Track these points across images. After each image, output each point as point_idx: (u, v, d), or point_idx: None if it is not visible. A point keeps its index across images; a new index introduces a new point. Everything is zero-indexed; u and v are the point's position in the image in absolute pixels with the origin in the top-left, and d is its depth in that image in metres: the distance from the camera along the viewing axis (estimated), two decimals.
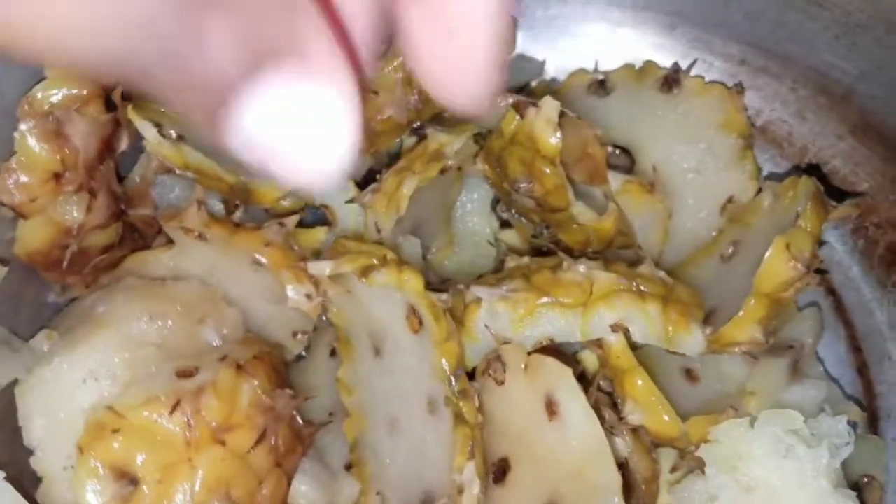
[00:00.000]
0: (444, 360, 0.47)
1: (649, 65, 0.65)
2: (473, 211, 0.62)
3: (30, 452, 0.47)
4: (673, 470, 0.54)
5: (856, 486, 0.55)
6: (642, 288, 0.51)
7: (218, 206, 0.55)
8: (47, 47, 0.22)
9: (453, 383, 0.46)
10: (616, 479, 0.45)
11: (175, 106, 0.24)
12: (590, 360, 0.56)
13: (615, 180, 0.56)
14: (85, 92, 0.47)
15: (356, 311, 0.51)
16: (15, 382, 0.48)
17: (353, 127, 0.23)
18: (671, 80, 0.64)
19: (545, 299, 0.49)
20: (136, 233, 0.55)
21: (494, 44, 0.25)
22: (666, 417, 0.50)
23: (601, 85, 0.66)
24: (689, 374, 0.56)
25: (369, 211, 0.53)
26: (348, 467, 0.55)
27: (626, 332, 0.50)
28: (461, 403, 0.46)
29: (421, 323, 0.48)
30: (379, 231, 0.53)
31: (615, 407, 0.53)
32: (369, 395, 0.52)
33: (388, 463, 0.51)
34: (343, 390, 0.53)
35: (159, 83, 0.23)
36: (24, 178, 0.47)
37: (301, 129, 0.22)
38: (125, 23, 0.22)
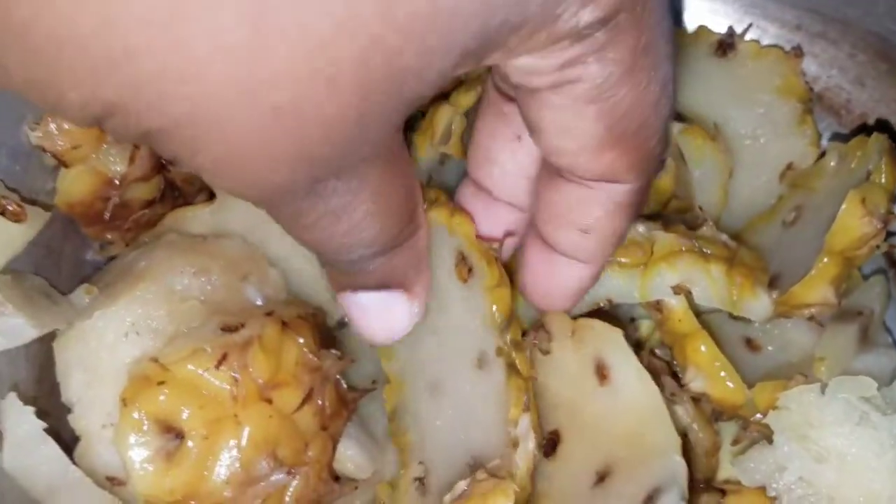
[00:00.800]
0: (495, 308, 0.43)
1: (702, 29, 0.63)
2: None
3: (68, 410, 0.45)
4: (735, 442, 0.51)
5: None
6: (705, 250, 0.49)
7: None
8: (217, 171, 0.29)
9: (505, 332, 0.43)
10: (675, 438, 0.42)
11: (311, 249, 0.37)
12: (646, 327, 0.54)
13: (674, 128, 0.54)
14: None
15: None
16: (53, 337, 0.46)
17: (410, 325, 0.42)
18: (725, 44, 0.62)
19: None
20: (176, 190, 0.54)
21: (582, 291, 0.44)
22: (731, 384, 0.48)
23: None
24: (751, 344, 0.54)
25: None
26: None
27: (689, 295, 0.48)
28: (514, 354, 0.43)
29: (470, 271, 0.44)
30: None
31: (674, 375, 0.51)
32: (410, 358, 0.48)
33: (431, 429, 0.47)
34: (382, 356, 0.50)
35: (311, 238, 0.35)
36: (67, 125, 0.45)
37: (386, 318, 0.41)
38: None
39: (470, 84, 0.52)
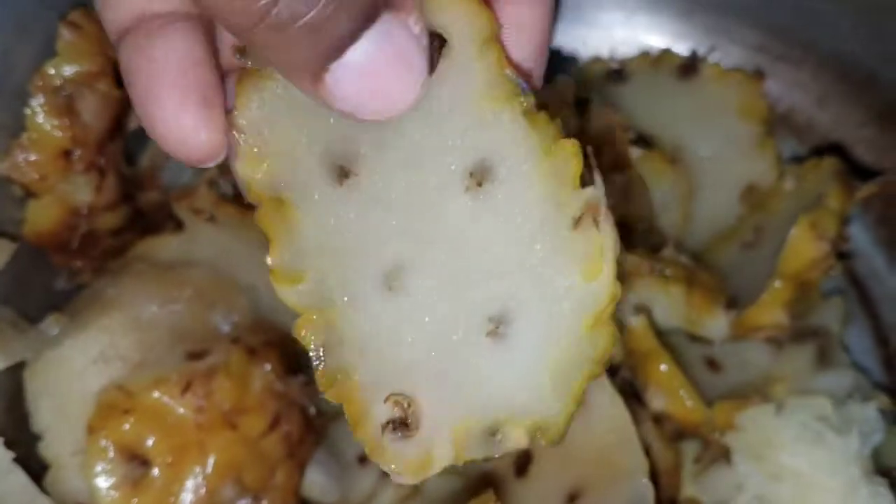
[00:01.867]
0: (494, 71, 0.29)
1: (666, 53, 0.64)
2: None
3: (38, 438, 0.46)
4: (697, 460, 0.52)
5: (886, 479, 0.53)
6: (665, 271, 0.50)
7: (228, 192, 0.54)
8: None
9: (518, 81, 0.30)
10: (643, 460, 0.44)
11: (275, 62, 0.28)
12: (616, 352, 0.55)
13: (633, 153, 0.55)
14: (96, 68, 0.47)
15: (299, 120, 0.31)
16: (23, 366, 0.46)
17: (426, 63, 0.28)
18: (688, 67, 0.63)
19: None
20: (144, 218, 0.54)
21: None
22: (690, 403, 0.49)
23: (618, 73, 0.65)
24: (712, 364, 0.55)
25: None
26: (362, 460, 0.53)
27: (649, 315, 0.49)
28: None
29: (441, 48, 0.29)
30: None
31: (636, 397, 0.52)
32: (335, 258, 0.31)
33: (397, 342, 0.32)
34: (282, 282, 0.32)
35: (266, 40, 0.26)
36: (34, 156, 0.46)
37: (391, 69, 0.27)
38: None
39: None
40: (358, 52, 0.26)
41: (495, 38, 0.30)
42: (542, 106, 0.31)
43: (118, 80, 0.48)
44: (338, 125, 0.30)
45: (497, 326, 0.31)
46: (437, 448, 0.31)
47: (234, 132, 0.30)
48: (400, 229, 0.31)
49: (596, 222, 0.30)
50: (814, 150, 0.66)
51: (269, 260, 0.32)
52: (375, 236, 0.31)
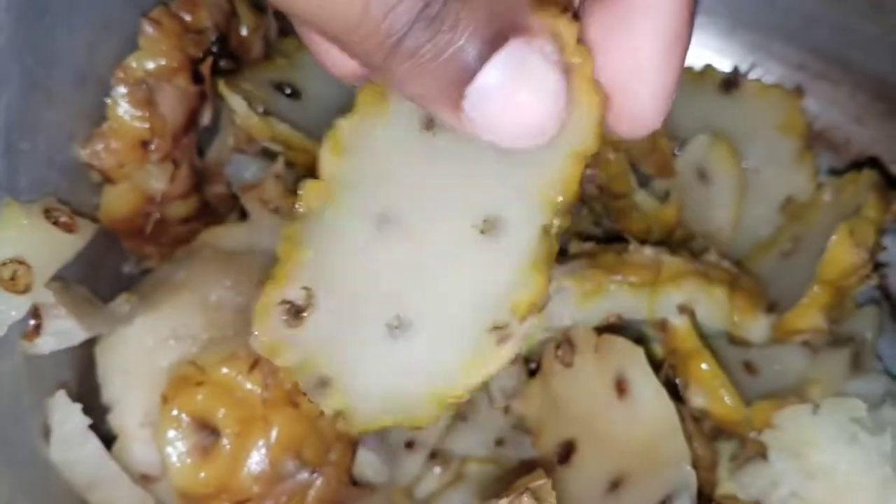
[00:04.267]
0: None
1: (709, 68, 0.67)
2: None
3: (107, 410, 0.48)
4: (733, 458, 0.54)
5: None
6: (709, 273, 0.52)
7: (292, 185, 0.57)
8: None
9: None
10: (686, 450, 0.45)
11: (413, 95, 0.28)
12: (656, 350, 0.56)
13: (699, 140, 0.57)
14: (175, 63, 0.49)
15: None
16: (93, 342, 0.49)
17: (564, 90, 0.27)
18: (730, 82, 0.65)
19: (614, 277, 0.50)
20: (210, 209, 0.57)
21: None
22: (729, 401, 0.51)
23: None
24: (749, 367, 0.57)
25: None
26: (409, 444, 0.56)
27: (692, 315, 0.51)
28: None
29: None
30: None
31: (677, 395, 0.53)
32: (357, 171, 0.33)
33: (361, 266, 0.33)
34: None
35: (399, 72, 0.27)
36: (113, 144, 0.49)
37: (528, 95, 0.27)
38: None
39: None
40: (489, 77, 0.26)
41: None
42: None
43: (195, 76, 0.51)
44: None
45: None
46: None
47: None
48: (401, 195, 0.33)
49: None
50: (850, 165, 0.67)
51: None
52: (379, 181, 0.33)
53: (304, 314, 0.33)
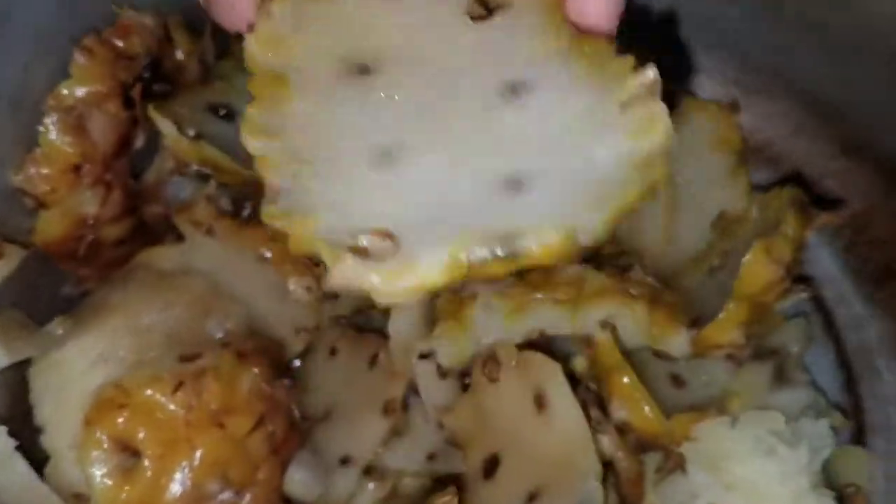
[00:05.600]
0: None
1: None
2: None
3: (40, 431, 0.49)
4: (658, 470, 0.55)
5: (840, 497, 0.56)
6: (631, 290, 0.53)
7: (227, 206, 0.58)
8: None
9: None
10: (596, 465, 0.47)
11: None
12: (580, 364, 0.58)
13: None
14: (105, 90, 0.50)
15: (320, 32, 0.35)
16: (28, 364, 0.50)
17: None
18: (665, 97, 0.66)
19: (538, 295, 0.51)
20: (147, 229, 0.58)
21: None
22: (650, 414, 0.52)
23: None
24: (676, 380, 0.58)
25: None
26: (343, 461, 0.56)
27: (614, 331, 0.52)
28: None
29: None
30: None
31: (602, 406, 0.55)
32: (319, 137, 0.35)
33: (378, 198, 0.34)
34: (252, 133, 0.35)
35: None
36: (45, 170, 0.50)
37: None
38: None
39: None
40: None
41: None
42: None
43: (126, 102, 0.52)
44: (371, 34, 0.34)
45: (513, 185, 0.34)
46: (424, 260, 0.32)
47: (262, 12, 0.34)
48: (407, 122, 0.34)
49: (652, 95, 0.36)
50: (786, 179, 0.69)
51: (248, 109, 0.35)
52: (375, 125, 0.34)
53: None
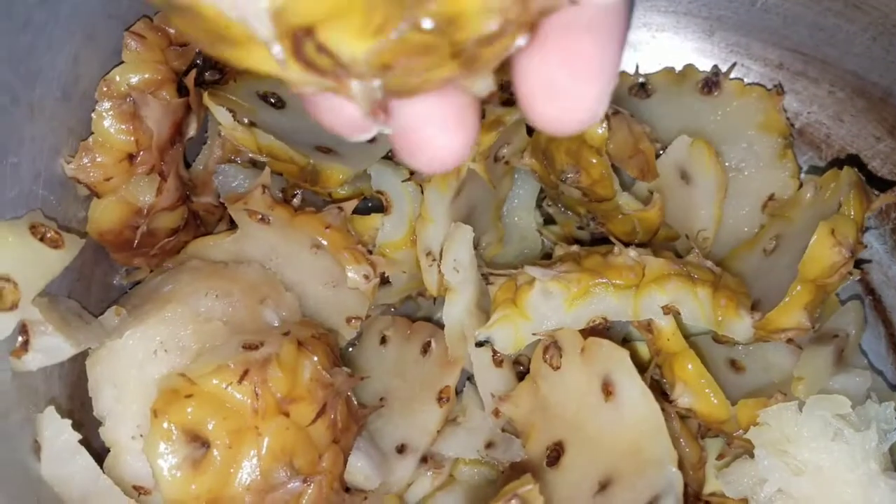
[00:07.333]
0: None
1: (689, 68, 0.67)
2: (520, 206, 0.64)
3: (99, 423, 0.48)
4: (720, 457, 0.55)
5: None
6: (693, 274, 0.53)
7: (278, 196, 0.57)
8: None
9: None
10: (672, 451, 0.46)
11: None
12: (642, 350, 0.57)
13: (681, 142, 0.58)
14: (159, 77, 0.50)
15: None
16: (84, 355, 0.49)
17: None
18: (711, 82, 0.66)
19: (599, 280, 0.51)
20: (198, 220, 0.57)
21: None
22: (715, 400, 0.51)
23: (642, 87, 0.68)
24: (735, 365, 0.57)
25: (427, 187, 0.54)
26: (400, 449, 0.56)
27: (677, 315, 0.52)
28: None
29: None
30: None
31: (664, 394, 0.54)
32: None
33: None
34: None
35: None
36: (99, 158, 0.49)
37: None
38: None
39: (491, 126, 0.55)
40: None
41: None
42: None
43: (179, 89, 0.51)
44: None
45: None
46: None
47: None
48: None
49: None
50: (832, 162, 0.68)
51: None
52: None
53: None
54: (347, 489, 0.53)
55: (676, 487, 0.44)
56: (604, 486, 0.47)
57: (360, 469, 0.52)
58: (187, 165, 0.57)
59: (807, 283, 0.51)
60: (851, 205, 0.52)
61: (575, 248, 0.55)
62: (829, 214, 0.54)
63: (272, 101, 0.56)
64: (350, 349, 0.61)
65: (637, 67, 0.68)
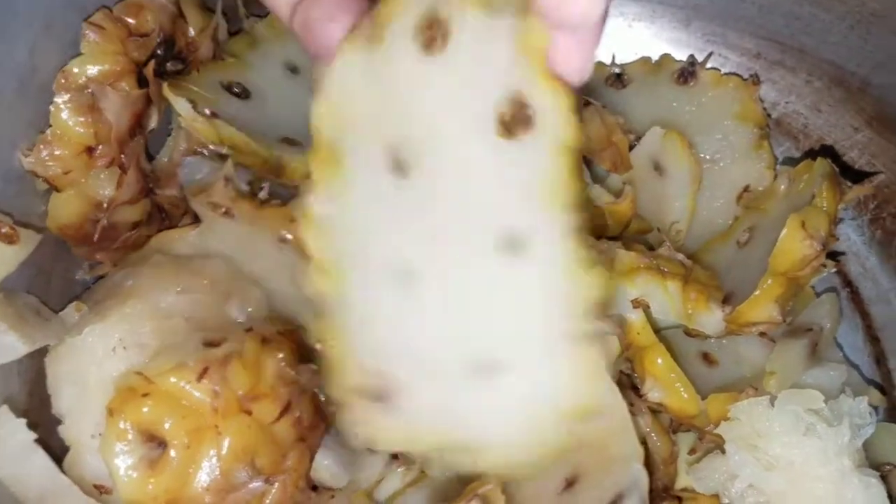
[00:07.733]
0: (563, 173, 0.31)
1: (665, 58, 0.66)
2: None
3: (58, 421, 0.48)
4: (692, 452, 0.54)
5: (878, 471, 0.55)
6: (663, 267, 0.52)
7: (243, 188, 0.56)
8: None
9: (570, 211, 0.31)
10: (638, 448, 0.45)
11: None
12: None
13: (654, 134, 0.58)
14: (118, 68, 0.49)
15: (377, 102, 0.33)
16: (45, 352, 0.48)
17: None
18: (687, 72, 0.65)
19: None
20: (162, 213, 0.56)
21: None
22: (685, 395, 0.51)
23: (618, 77, 0.67)
24: (707, 358, 0.57)
25: None
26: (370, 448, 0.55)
27: (647, 309, 0.51)
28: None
29: (528, 122, 0.31)
30: None
31: (634, 388, 0.53)
32: (364, 234, 0.35)
33: (396, 329, 0.36)
34: (310, 230, 0.35)
35: None
36: (58, 151, 0.48)
37: None
38: None
39: None
40: None
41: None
42: None
43: (139, 80, 0.50)
44: (409, 118, 0.32)
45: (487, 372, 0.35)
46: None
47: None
48: (426, 241, 0.34)
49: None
50: (808, 153, 0.68)
51: (310, 199, 0.35)
52: (402, 234, 0.34)
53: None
54: (315, 487, 0.52)
55: (641, 485, 0.44)
56: (570, 484, 0.46)
57: (326, 467, 0.51)
58: (151, 158, 0.55)
59: (778, 276, 0.50)
60: (824, 196, 0.52)
61: None
62: (802, 206, 0.53)
63: (236, 91, 0.55)
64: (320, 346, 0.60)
65: (613, 57, 0.68)
